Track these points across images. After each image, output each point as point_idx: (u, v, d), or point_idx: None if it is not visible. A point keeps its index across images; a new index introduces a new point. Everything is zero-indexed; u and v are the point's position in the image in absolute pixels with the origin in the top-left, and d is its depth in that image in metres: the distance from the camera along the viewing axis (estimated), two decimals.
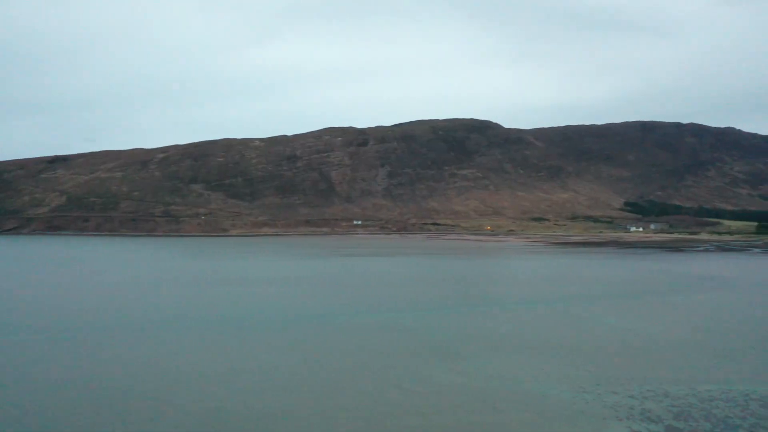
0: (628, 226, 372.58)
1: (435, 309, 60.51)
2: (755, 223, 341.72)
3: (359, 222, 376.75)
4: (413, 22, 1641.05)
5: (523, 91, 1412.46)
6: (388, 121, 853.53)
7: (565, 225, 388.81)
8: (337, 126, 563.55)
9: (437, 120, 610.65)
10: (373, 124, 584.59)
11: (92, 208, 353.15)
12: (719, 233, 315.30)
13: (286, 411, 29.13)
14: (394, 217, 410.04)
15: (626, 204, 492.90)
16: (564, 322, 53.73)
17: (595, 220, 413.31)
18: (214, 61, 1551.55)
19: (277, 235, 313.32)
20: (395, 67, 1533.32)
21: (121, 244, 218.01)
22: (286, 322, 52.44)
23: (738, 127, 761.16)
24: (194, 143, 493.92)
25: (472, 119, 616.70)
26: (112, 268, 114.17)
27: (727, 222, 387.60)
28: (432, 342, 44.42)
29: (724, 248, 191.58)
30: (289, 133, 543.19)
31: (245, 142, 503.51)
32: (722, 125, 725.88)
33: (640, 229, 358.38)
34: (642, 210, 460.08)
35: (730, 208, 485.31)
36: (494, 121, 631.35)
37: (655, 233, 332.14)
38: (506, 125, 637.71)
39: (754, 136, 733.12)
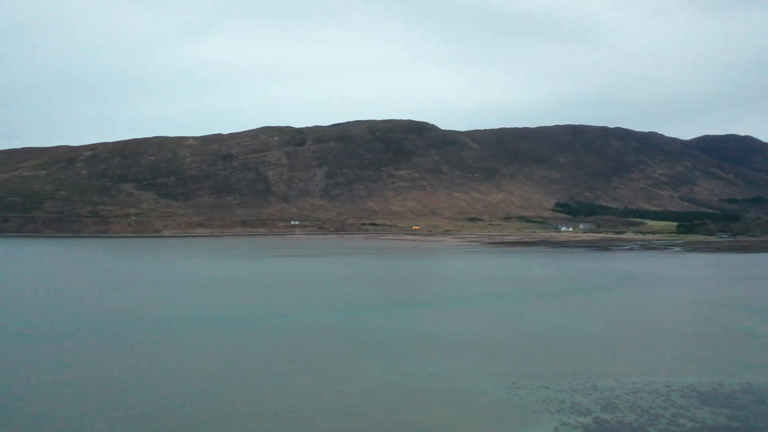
0: (558, 226, 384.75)
1: (371, 309, 60.47)
2: (675, 223, 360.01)
3: (297, 222, 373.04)
4: (350, 23, 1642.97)
5: (459, 93, 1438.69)
6: (326, 120, 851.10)
7: (499, 225, 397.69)
8: (274, 125, 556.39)
9: (375, 121, 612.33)
10: (310, 124, 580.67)
11: (12, 207, 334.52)
12: (643, 233, 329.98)
13: (218, 414, 28.27)
14: (332, 217, 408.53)
15: (557, 204, 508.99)
16: (498, 320, 54.75)
17: (528, 220, 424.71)
18: (145, 56, 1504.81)
19: (212, 236, 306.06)
20: (333, 67, 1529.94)
21: (44, 245, 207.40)
22: (215, 325, 51.07)
23: (660, 131, 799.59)
24: (124, 141, 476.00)
25: (409, 120, 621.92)
26: (28, 270, 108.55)
27: (650, 222, 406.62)
28: (368, 342, 44.31)
29: (647, 247, 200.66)
30: (225, 132, 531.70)
31: (178, 141, 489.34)
32: (646, 130, 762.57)
33: (570, 229, 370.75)
34: (572, 210, 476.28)
35: (653, 208, 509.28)
36: (431, 122, 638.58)
37: (584, 233, 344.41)
38: (443, 127, 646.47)
39: (675, 140, 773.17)
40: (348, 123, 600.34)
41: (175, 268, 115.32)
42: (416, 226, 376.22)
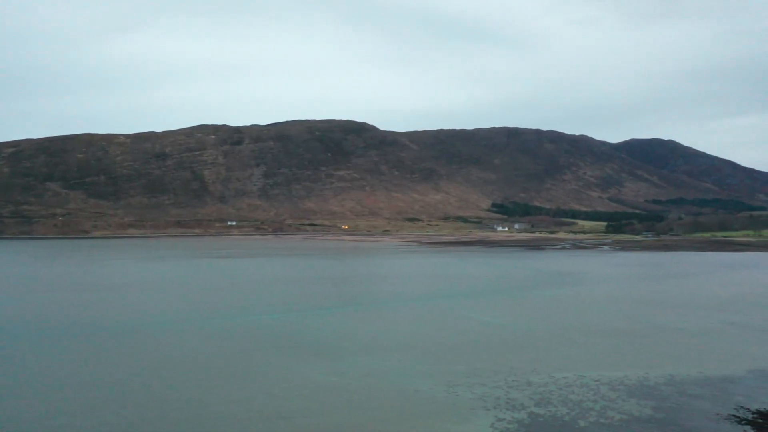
0: (494, 226, 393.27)
1: (308, 310, 59.98)
2: (604, 223, 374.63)
3: (234, 223, 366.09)
4: (289, 22, 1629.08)
5: (398, 94, 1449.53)
6: (264, 120, 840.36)
7: (437, 225, 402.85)
8: (210, 123, 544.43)
9: (314, 120, 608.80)
10: (248, 123, 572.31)
11: None
12: (575, 232, 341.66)
13: (143, 421, 27.32)
14: (270, 217, 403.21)
15: (493, 205, 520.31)
16: (435, 319, 55.38)
17: (465, 220, 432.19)
18: (73, 50, 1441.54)
19: (144, 236, 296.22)
20: (271, 66, 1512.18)
21: None
22: (143, 329, 49.43)
23: (590, 135, 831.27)
24: (50, 138, 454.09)
25: (348, 120, 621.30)
26: None
27: (581, 222, 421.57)
28: (305, 343, 43.89)
29: (578, 246, 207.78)
30: (158, 130, 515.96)
31: (109, 138, 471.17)
32: (577, 133, 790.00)
33: (506, 229, 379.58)
34: (507, 211, 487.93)
35: (583, 209, 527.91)
36: (370, 123, 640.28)
37: (518, 232, 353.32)
38: (382, 128, 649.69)
39: (604, 143, 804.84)
40: (286, 122, 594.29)
41: (109, 269, 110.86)
42: (345, 225, 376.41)
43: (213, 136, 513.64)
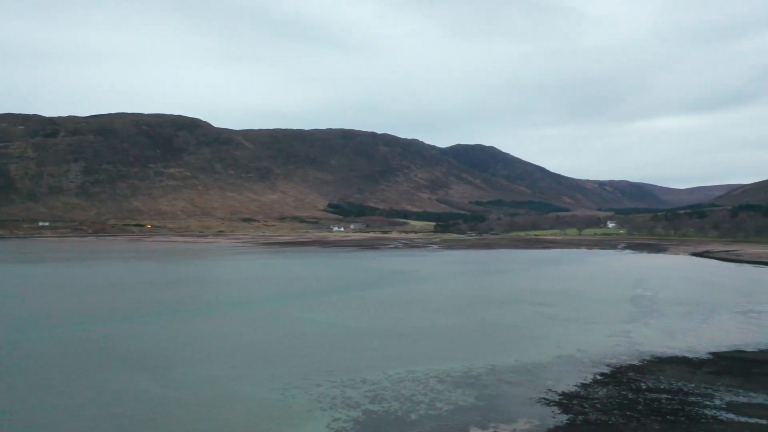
0: (331, 226, 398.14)
1: (134, 317, 56.09)
2: (434, 223, 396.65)
3: (46, 223, 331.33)
4: (115, 8, 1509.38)
5: (234, 91, 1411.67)
6: (83, 111, 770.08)
7: (274, 225, 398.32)
8: (18, 112, 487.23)
9: (141, 114, 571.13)
10: (64, 114, 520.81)
11: None
12: (407, 232, 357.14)
13: None
14: (91, 217, 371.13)
15: (329, 205, 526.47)
16: (270, 321, 54.70)
17: (302, 220, 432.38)
18: None
19: None
20: (91, 54, 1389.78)
21: None
22: None
23: (421, 139, 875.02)
24: None
25: (180, 116, 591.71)
26: None
27: (413, 222, 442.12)
28: (131, 353, 40.96)
29: (410, 245, 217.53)
30: None
31: None
32: (409, 137, 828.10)
33: (342, 229, 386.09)
34: (343, 211, 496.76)
35: (415, 209, 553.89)
36: (203, 119, 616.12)
37: (354, 232, 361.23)
38: (216, 125, 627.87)
39: (433, 147, 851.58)
40: (110, 115, 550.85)
41: None
42: (149, 224, 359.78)
43: (22, 127, 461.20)
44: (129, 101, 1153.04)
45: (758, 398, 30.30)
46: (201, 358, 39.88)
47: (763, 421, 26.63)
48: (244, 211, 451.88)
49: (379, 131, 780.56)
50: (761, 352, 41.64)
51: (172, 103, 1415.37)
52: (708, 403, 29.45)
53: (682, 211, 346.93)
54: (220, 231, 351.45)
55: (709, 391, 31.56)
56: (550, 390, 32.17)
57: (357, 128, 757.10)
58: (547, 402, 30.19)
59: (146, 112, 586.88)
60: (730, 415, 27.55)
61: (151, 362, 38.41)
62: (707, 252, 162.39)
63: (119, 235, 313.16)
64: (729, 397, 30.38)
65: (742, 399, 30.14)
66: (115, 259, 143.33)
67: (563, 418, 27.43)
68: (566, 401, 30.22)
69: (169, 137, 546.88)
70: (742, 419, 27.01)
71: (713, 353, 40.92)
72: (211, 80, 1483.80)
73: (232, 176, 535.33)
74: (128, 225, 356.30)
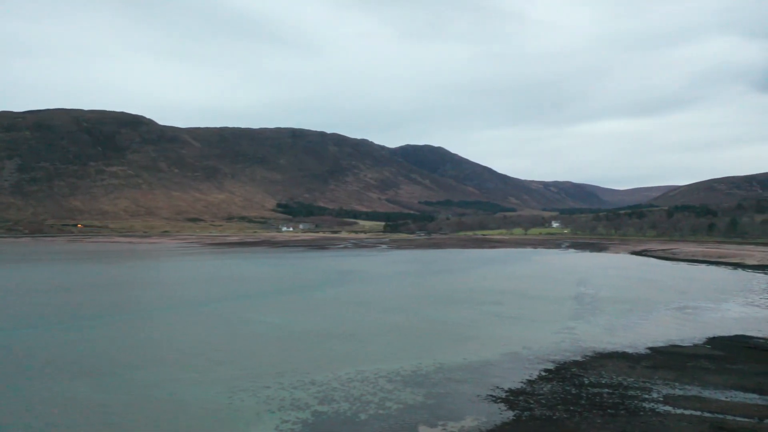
0: (280, 226, 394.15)
1: (70, 321, 54.07)
2: (383, 223, 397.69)
3: None
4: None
5: (180, 89, 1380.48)
6: (18, 106, 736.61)
7: (221, 225, 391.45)
8: None
9: (82, 111, 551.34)
10: None
11: None
12: (356, 232, 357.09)
13: None
14: (27, 217, 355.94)
15: (278, 205, 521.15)
16: (216, 323, 53.68)
17: (250, 220, 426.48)
18: None
19: None
20: (26, 46, 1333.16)
21: None
22: None
23: (370, 139, 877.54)
24: None
25: (122, 113, 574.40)
26: None
27: (362, 222, 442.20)
28: (68, 358, 39.45)
29: (359, 245, 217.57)
30: None
31: None
32: (358, 137, 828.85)
33: (291, 229, 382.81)
34: (292, 211, 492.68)
35: (364, 209, 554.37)
36: (148, 116, 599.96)
37: (303, 232, 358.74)
38: (161, 122, 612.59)
39: (383, 148, 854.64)
40: (47, 111, 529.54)
41: None
42: (80, 224, 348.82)
43: None
44: (69, 97, 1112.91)
45: (692, 390, 31.63)
46: (144, 362, 38.76)
47: (697, 413, 27.81)
48: (191, 210, 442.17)
49: (328, 131, 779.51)
50: (695, 346, 43.51)
51: (114, 99, 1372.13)
52: (646, 396, 30.56)
53: (622, 212, 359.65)
54: (165, 231, 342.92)
55: (647, 384, 32.74)
56: (496, 387, 32.72)
57: (306, 127, 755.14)
58: (494, 399, 30.69)
59: (87, 108, 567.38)
60: (667, 408, 28.65)
61: (90, 368, 37.07)
62: (646, 251, 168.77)
63: (58, 236, 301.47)
64: (666, 390, 31.60)
65: (678, 392, 31.40)
66: (52, 261, 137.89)
67: (510, 414, 27.95)
68: (512, 398, 30.80)
69: (111, 134, 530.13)
70: (678, 411, 28.13)
71: (651, 348, 42.49)
72: (156, 77, 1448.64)
73: (177, 175, 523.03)
74: (67, 225, 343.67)
